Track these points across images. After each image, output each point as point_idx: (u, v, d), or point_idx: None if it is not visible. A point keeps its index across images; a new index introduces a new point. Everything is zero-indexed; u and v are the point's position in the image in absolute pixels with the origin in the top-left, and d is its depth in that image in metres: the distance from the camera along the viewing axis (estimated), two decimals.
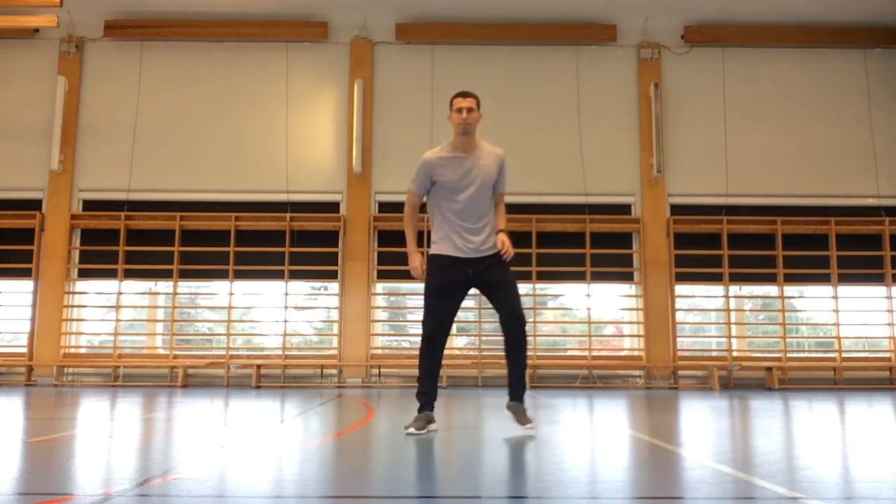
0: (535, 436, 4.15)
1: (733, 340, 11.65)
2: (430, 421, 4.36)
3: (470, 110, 4.35)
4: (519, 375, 4.40)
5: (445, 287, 4.40)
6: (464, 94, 4.41)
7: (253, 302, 11.90)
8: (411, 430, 4.20)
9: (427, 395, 4.39)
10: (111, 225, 11.56)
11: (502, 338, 4.42)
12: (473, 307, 11.16)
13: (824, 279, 11.57)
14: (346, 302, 11.37)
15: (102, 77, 11.93)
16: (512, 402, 4.40)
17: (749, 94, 11.91)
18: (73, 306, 11.61)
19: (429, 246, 4.58)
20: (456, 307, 4.49)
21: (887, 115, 11.88)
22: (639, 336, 11.46)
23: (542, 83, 11.87)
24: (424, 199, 4.53)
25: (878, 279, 11.58)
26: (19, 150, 11.71)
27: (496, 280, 4.39)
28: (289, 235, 11.53)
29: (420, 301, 13.13)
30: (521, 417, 4.31)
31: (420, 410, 4.36)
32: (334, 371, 11.31)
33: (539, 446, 3.76)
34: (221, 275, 11.52)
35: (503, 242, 4.34)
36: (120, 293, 11.50)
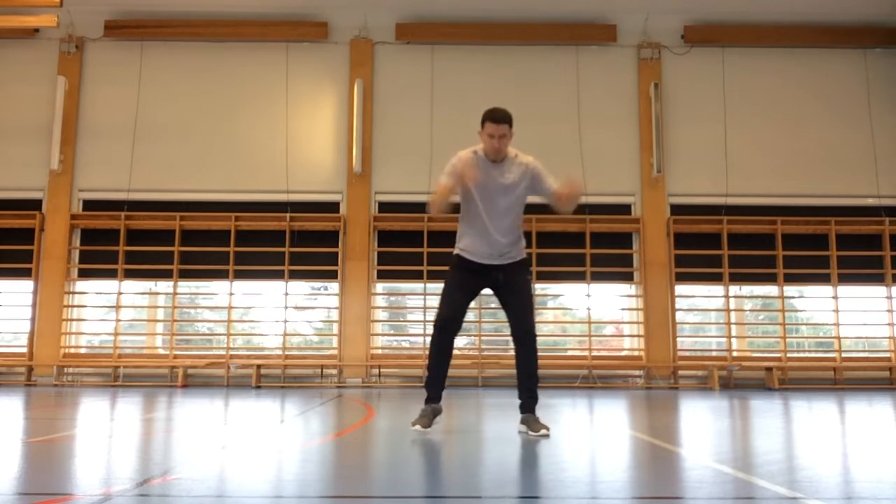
0: (549, 436, 4.13)
1: (733, 340, 11.64)
2: (437, 413, 4.34)
3: (502, 136, 4.27)
4: (529, 387, 4.36)
5: (465, 280, 4.37)
6: (496, 120, 4.25)
7: (253, 302, 11.90)
8: (417, 427, 4.18)
9: (436, 385, 4.35)
10: (111, 225, 11.56)
11: (513, 348, 4.42)
12: (473, 307, 11.10)
13: (824, 279, 11.56)
14: (346, 302, 11.37)
15: (102, 77, 11.92)
16: (524, 415, 4.37)
17: (749, 94, 11.90)
18: (73, 306, 11.61)
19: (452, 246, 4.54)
20: (469, 301, 4.44)
21: (887, 115, 11.87)
22: (639, 336, 11.46)
23: (542, 83, 11.86)
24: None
25: (878, 279, 11.57)
26: (19, 150, 11.71)
27: (512, 287, 4.36)
28: (289, 235, 11.53)
29: (419, 301, 13.04)
30: (534, 426, 4.24)
31: (427, 402, 4.33)
32: (334, 371, 11.30)
33: (539, 446, 3.76)
34: (221, 275, 11.52)
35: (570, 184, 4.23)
36: (120, 293, 11.49)
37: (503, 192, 4.30)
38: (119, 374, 11.26)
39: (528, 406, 4.36)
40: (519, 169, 4.34)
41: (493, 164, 4.33)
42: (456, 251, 4.43)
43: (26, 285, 11.46)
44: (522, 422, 4.35)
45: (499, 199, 4.30)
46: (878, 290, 11.62)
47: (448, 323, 4.33)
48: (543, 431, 4.17)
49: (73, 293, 11.64)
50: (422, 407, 4.36)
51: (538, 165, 4.39)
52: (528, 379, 4.36)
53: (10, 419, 5.45)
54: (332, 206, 11.69)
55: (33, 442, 3.96)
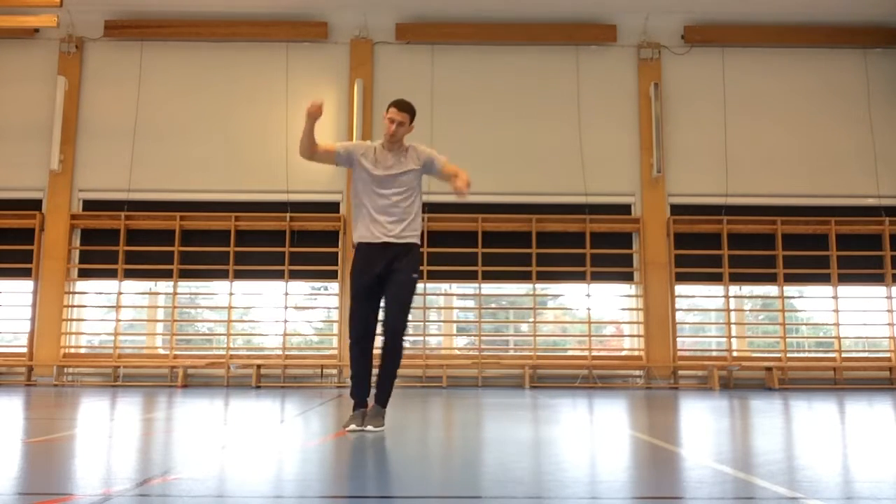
0: (375, 433, 4.20)
1: (733, 340, 11.65)
2: (366, 415, 4.42)
3: (401, 124, 4.44)
4: (384, 382, 4.47)
5: (363, 290, 4.51)
6: (399, 107, 4.45)
7: (253, 302, 11.90)
8: (351, 426, 4.31)
9: (357, 396, 4.50)
10: (111, 225, 11.56)
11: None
12: (474, 307, 11.14)
13: (824, 279, 11.57)
14: (345, 302, 11.33)
15: (102, 77, 11.93)
16: (374, 406, 4.44)
17: (749, 94, 11.91)
18: (73, 306, 11.61)
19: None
20: (377, 306, 4.57)
21: (887, 115, 11.87)
22: (639, 336, 11.46)
23: (542, 83, 11.86)
24: (336, 165, 4.64)
25: (878, 279, 11.57)
26: (19, 149, 11.71)
27: (394, 280, 4.44)
28: (289, 235, 11.53)
29: (419, 301, 12.94)
30: (373, 421, 4.34)
31: (355, 409, 4.46)
32: (334, 371, 11.30)
33: (539, 446, 3.76)
34: (221, 275, 11.52)
35: (462, 178, 4.34)
36: (120, 293, 11.49)
37: (391, 180, 4.44)
38: (119, 374, 11.26)
39: (378, 398, 4.46)
40: (413, 156, 4.51)
41: (389, 154, 4.49)
42: (355, 240, 4.54)
43: (26, 285, 11.46)
44: (369, 410, 4.42)
45: (391, 191, 4.43)
46: (878, 290, 11.62)
47: (360, 340, 4.54)
48: (370, 427, 4.27)
49: (73, 293, 11.64)
50: (351, 413, 4.46)
51: (433, 153, 4.57)
52: (385, 375, 4.49)
53: (10, 419, 5.45)
54: (332, 206, 11.69)
55: (33, 442, 3.96)
